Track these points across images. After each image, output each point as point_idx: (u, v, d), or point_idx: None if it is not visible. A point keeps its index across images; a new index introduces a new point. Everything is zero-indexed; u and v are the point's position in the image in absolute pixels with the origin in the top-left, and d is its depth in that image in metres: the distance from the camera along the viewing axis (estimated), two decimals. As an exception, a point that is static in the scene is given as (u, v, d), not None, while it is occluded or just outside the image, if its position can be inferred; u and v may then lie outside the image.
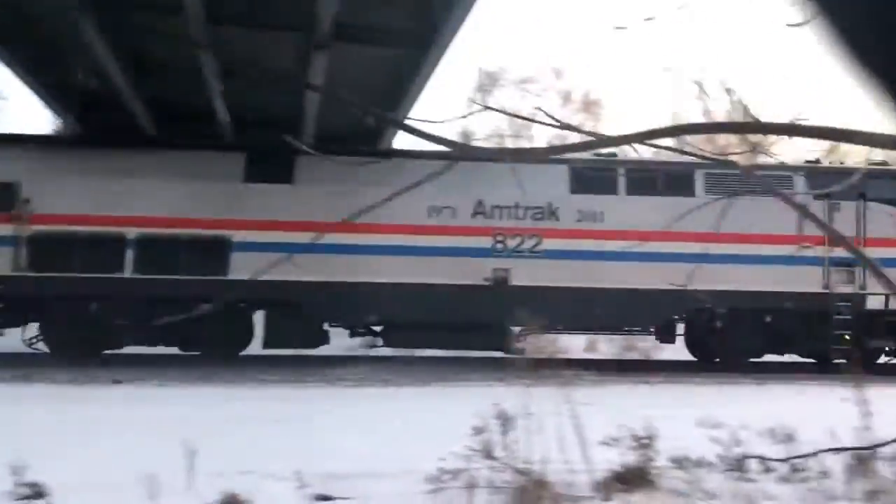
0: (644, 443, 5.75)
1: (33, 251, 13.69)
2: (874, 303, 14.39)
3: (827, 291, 14.47)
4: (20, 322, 13.99)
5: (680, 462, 5.87)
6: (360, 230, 12.97)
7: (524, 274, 14.33)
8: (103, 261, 13.61)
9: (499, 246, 14.45)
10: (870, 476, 5.33)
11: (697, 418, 7.22)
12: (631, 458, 5.63)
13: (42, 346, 13.95)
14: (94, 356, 13.32)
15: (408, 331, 14.37)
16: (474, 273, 14.21)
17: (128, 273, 13.71)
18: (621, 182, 14.74)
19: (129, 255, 13.72)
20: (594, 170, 14.77)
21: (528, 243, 14.38)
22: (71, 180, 13.74)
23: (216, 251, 13.84)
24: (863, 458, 5.49)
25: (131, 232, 13.68)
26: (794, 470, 5.71)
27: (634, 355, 15.80)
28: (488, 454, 4.99)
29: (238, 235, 13.90)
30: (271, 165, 14.13)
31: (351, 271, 13.83)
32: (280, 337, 14.25)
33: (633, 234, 12.86)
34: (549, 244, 14.48)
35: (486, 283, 14.22)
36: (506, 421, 5.07)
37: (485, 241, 14.37)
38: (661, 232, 10.85)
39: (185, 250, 13.77)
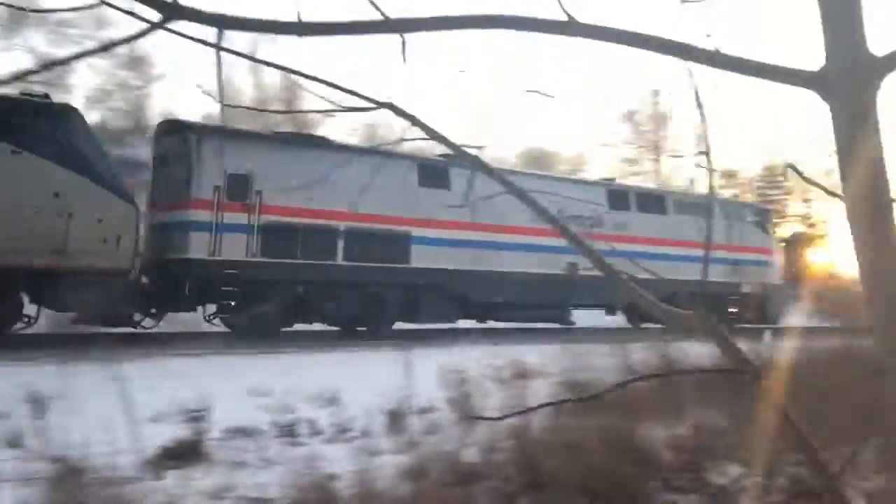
0: (197, 416, 5.72)
1: (264, 239, 15.38)
2: (746, 288, 22.65)
3: (726, 280, 21.19)
4: (207, 301, 15.56)
5: (234, 432, 5.88)
6: (488, 230, 17.27)
7: (585, 266, 16.12)
8: (321, 249, 16.01)
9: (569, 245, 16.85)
10: (404, 430, 5.76)
11: (249, 388, 7.26)
12: (184, 432, 5.58)
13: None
14: (273, 335, 15.12)
15: (512, 309, 18.57)
16: (555, 265, 18.45)
17: (339, 260, 16.26)
18: (633, 202, 21.58)
19: (340, 244, 16.20)
20: (621, 193, 21.85)
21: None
22: (293, 176, 14.83)
23: (401, 243, 16.75)
24: (397, 414, 5.92)
25: (341, 225, 16.16)
26: (341, 431, 5.91)
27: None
28: (15, 443, 4.57)
29: (416, 231, 16.82)
30: (435, 173, 17.12)
31: (483, 262, 17.92)
32: (432, 313, 17.20)
33: (642, 240, 20.18)
34: (597, 245, 16.20)
35: (562, 272, 18.54)
36: (38, 405, 4.69)
37: (561, 241, 15.89)
38: (654, 238, 20.44)
39: (380, 242, 16.50)
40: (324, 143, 16.40)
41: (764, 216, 25.29)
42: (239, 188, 15.23)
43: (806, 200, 43.43)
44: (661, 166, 41.26)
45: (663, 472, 4.64)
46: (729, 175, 42.44)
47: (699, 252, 18.84)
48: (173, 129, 16.14)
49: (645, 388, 6.30)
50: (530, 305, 18.87)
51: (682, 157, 41.59)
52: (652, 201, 22.23)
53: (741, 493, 4.21)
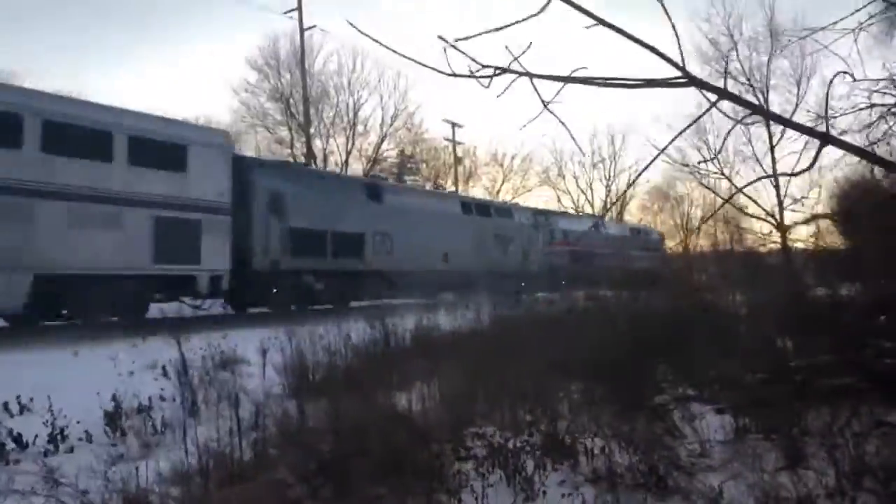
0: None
1: (571, 256, 35.36)
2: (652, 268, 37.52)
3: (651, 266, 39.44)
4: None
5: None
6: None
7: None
8: (571, 261, 36.90)
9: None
10: (127, 432, 5.76)
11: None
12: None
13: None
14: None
15: None
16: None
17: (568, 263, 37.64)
18: (629, 235, 43.68)
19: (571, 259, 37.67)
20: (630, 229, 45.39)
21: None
22: (572, 231, 36.88)
23: (590, 258, 38.32)
24: (114, 417, 5.98)
25: (567, 250, 37.60)
26: (51, 441, 5.65)
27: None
28: None
29: (597, 250, 38.58)
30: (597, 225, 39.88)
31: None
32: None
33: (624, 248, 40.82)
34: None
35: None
36: None
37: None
38: (626, 246, 41.62)
39: (583, 257, 37.97)
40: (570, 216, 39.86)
41: (661, 236, 50.38)
42: (564, 237, 36.16)
43: (437, 185, 53.17)
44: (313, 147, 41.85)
45: (435, 442, 4.57)
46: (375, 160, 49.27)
47: (643, 253, 41.64)
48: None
49: (364, 364, 7.37)
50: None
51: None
52: (630, 232, 43.62)
53: (519, 450, 4.33)
